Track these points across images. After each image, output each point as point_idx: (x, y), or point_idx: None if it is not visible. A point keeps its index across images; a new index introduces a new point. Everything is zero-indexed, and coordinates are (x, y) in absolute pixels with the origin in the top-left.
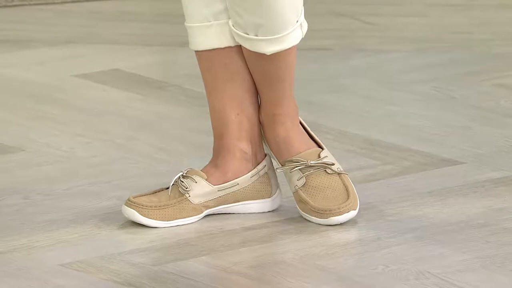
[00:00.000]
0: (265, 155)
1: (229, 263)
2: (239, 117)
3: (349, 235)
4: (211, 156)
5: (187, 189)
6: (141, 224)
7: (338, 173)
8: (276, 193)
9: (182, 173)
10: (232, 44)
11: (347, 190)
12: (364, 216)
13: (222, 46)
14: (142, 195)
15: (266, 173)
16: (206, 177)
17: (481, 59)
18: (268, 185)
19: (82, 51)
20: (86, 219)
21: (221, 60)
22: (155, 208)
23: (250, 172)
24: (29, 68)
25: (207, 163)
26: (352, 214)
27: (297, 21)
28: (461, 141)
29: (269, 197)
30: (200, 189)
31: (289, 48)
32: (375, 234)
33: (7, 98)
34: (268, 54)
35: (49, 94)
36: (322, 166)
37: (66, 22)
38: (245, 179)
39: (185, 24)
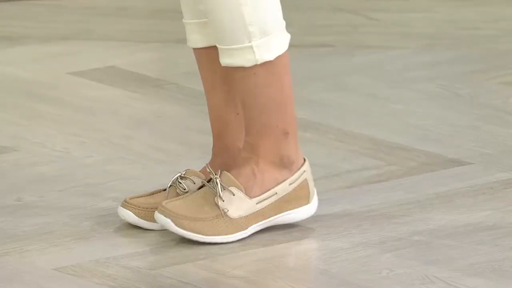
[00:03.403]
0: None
1: (228, 267)
2: (240, 117)
3: (353, 238)
4: (210, 156)
5: (185, 191)
6: (138, 227)
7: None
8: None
9: (180, 174)
10: None
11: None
12: (368, 219)
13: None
14: (138, 197)
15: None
16: (204, 178)
17: (488, 56)
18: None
19: (77, 48)
20: (81, 222)
21: (217, 58)
22: (152, 210)
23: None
24: (22, 66)
25: (206, 163)
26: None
27: (248, 42)
28: (468, 140)
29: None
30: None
31: (245, 70)
32: (380, 237)
33: None
34: (222, 65)
35: (43, 92)
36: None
37: (61, 18)
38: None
39: (183, 20)
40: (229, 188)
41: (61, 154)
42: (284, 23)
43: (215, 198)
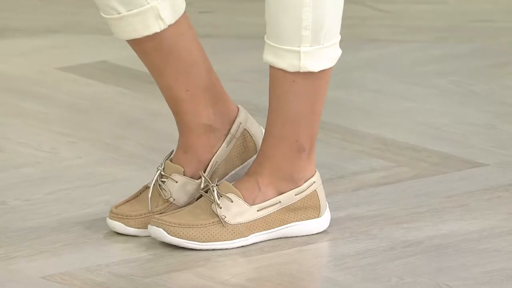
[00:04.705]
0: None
1: (227, 274)
2: (190, 93)
3: (360, 244)
4: None
5: (169, 194)
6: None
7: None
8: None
9: (159, 170)
10: (150, 32)
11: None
12: (377, 223)
13: (140, 36)
14: (124, 202)
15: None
16: (183, 170)
17: (504, 50)
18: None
19: (66, 41)
20: (70, 227)
21: (148, 46)
22: (140, 216)
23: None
24: (7, 60)
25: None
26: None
27: (298, 46)
28: (483, 140)
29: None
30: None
31: (285, 74)
32: (389, 243)
33: None
34: (264, 61)
35: (28, 88)
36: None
37: (48, 9)
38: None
39: (104, 16)
40: (227, 194)
41: (48, 155)
42: (339, 37)
43: (212, 205)
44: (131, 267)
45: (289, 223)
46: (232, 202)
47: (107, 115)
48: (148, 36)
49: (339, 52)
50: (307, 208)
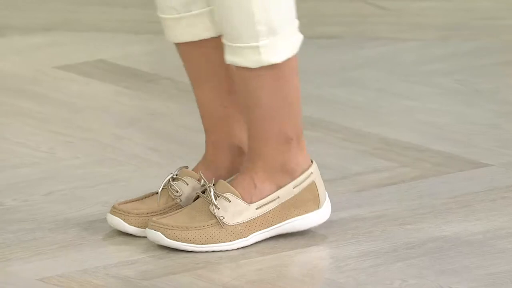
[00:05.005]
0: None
1: (228, 277)
2: (228, 111)
3: (363, 245)
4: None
5: (178, 194)
6: (129, 234)
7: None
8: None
9: (172, 174)
10: (207, 36)
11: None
12: (379, 225)
13: (196, 39)
14: (128, 202)
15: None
16: (199, 177)
17: (509, 48)
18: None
19: (63, 39)
20: (68, 228)
21: (200, 52)
22: (143, 216)
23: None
24: (3, 58)
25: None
26: (156, 235)
27: (255, 42)
28: (487, 140)
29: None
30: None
31: (250, 70)
32: (392, 245)
33: None
34: (226, 62)
35: (25, 87)
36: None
37: (45, 7)
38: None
39: (160, 15)
40: (224, 194)
41: (45, 155)
42: (297, 22)
43: (209, 206)
44: (129, 269)
45: (289, 218)
46: (229, 202)
47: (105, 115)
48: (202, 41)
49: (299, 37)
50: (307, 201)
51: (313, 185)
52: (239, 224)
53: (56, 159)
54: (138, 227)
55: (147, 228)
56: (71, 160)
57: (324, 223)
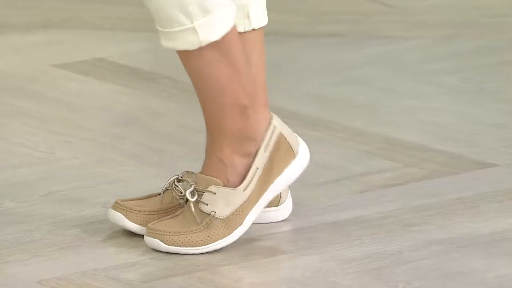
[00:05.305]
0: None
1: (229, 279)
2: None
3: (367, 247)
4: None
5: (182, 195)
6: (129, 235)
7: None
8: (286, 201)
9: (177, 176)
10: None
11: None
12: (384, 226)
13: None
14: (130, 200)
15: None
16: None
17: None
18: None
19: (61, 37)
20: (66, 230)
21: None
22: (146, 213)
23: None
24: (1, 57)
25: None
26: (154, 243)
27: (190, 23)
28: (494, 140)
29: (277, 206)
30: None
31: (190, 52)
32: (397, 247)
33: None
34: (163, 47)
35: (23, 86)
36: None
37: (43, 4)
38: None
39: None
40: (208, 189)
41: (44, 155)
42: None
43: (199, 205)
44: (129, 272)
45: (273, 180)
46: (215, 194)
47: (105, 114)
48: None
49: (232, 8)
50: (282, 156)
51: (281, 137)
52: (232, 213)
53: (55, 159)
54: (139, 224)
55: (145, 236)
56: (71, 160)
57: (327, 224)
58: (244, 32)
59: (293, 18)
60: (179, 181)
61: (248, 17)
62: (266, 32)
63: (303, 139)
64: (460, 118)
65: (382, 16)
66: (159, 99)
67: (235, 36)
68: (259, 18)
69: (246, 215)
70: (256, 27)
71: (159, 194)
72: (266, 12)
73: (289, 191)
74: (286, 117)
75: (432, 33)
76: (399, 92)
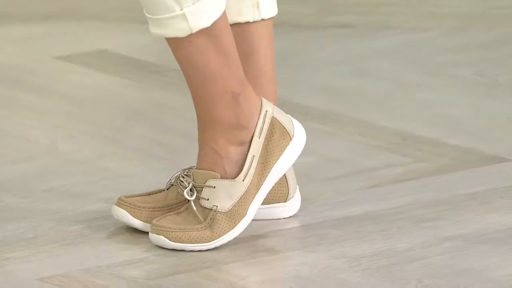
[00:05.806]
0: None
1: (235, 277)
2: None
3: (377, 244)
4: None
5: (182, 191)
6: (133, 232)
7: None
8: (294, 197)
9: (182, 171)
10: (241, 20)
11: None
12: (394, 222)
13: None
14: (134, 196)
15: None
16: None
17: None
18: (284, 186)
19: (64, 29)
20: (69, 226)
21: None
22: (150, 210)
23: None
24: (1, 49)
25: None
26: (159, 239)
27: (180, 9)
28: (508, 134)
29: (285, 201)
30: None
31: (180, 39)
32: (407, 243)
33: None
34: (152, 35)
35: (24, 78)
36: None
37: None
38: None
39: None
40: (206, 184)
41: (46, 149)
42: None
43: (200, 201)
44: (133, 269)
45: (272, 166)
46: (214, 188)
47: (108, 107)
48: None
49: None
50: (278, 140)
51: (274, 121)
52: (233, 205)
53: (57, 153)
54: (144, 221)
55: (149, 232)
56: (73, 154)
57: (336, 220)
58: (253, 22)
59: (302, 9)
60: (184, 176)
61: (258, 6)
62: (274, 23)
63: (311, 133)
64: (473, 112)
65: (392, 8)
66: (165, 92)
67: (225, 22)
68: (268, 7)
69: (249, 205)
70: (266, 17)
71: (163, 190)
72: (276, 2)
73: (297, 187)
74: (294, 110)
75: (444, 25)
76: (410, 85)
